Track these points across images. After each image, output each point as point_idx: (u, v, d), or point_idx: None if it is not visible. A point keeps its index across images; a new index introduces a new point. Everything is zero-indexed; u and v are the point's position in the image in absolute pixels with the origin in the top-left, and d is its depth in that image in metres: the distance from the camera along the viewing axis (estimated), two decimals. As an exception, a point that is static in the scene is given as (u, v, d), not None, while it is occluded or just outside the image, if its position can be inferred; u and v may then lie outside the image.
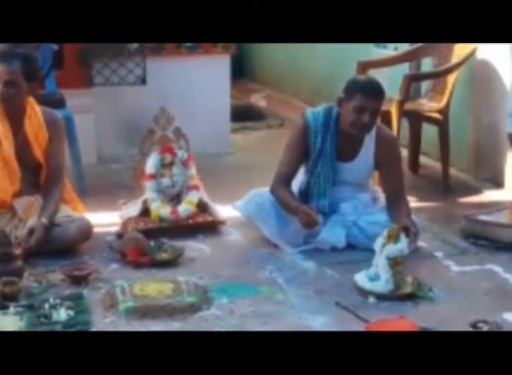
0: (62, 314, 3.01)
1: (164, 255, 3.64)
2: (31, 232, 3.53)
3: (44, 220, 3.57)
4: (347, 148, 3.79)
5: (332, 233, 3.75)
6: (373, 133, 3.77)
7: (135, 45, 5.19)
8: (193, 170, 4.17)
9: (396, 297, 3.24)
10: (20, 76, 3.58)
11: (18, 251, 3.35)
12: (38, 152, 3.73)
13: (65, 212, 3.73)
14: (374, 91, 3.65)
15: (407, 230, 3.46)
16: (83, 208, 3.93)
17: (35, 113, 3.72)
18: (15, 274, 3.22)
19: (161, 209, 3.97)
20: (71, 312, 3.03)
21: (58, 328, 2.92)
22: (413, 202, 4.10)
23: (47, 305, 3.06)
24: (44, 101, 3.89)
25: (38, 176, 3.77)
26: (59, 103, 4.46)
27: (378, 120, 3.88)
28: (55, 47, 4.58)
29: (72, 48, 5.02)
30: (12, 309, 3.04)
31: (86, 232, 3.70)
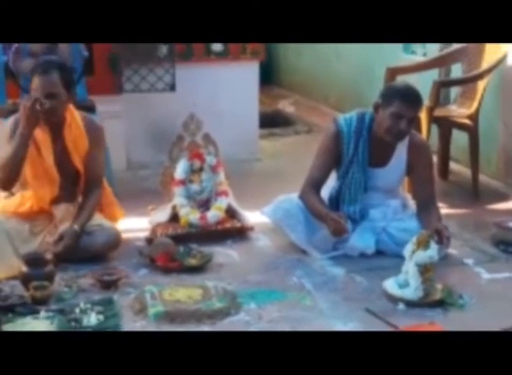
0: (93, 319, 3.03)
1: (193, 261, 3.65)
2: (61, 237, 3.56)
3: (76, 227, 3.59)
4: (380, 154, 3.78)
5: (361, 240, 3.74)
6: (406, 139, 3.75)
7: (164, 52, 5.23)
8: (221, 176, 4.18)
9: (426, 304, 3.22)
10: (60, 86, 3.58)
11: (49, 255, 3.38)
12: (77, 160, 3.72)
13: (96, 220, 3.74)
14: (413, 99, 3.62)
15: (439, 233, 3.44)
16: (121, 213, 3.94)
17: (75, 121, 3.71)
18: (46, 279, 3.25)
19: (190, 215, 3.99)
20: (101, 317, 3.06)
21: (89, 332, 2.95)
22: (443, 209, 4.07)
23: (77, 310, 3.10)
24: (74, 107, 3.92)
25: (77, 184, 3.77)
26: (90, 109, 4.48)
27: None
28: (85, 53, 4.61)
29: (102, 55, 5.06)
30: (43, 313, 3.07)
31: (114, 242, 3.71)
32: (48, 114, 3.59)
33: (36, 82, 3.56)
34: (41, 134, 3.64)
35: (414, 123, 3.73)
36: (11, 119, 3.69)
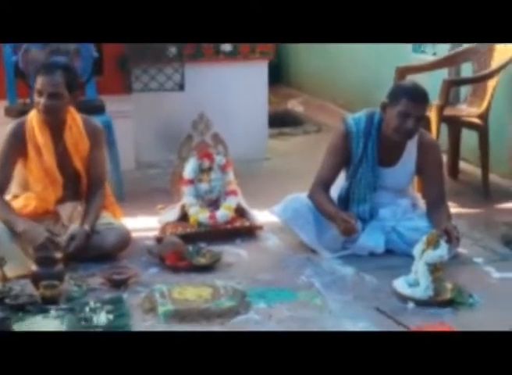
0: (102, 318, 3.03)
1: (202, 260, 3.65)
2: (72, 238, 3.56)
3: (87, 228, 3.60)
4: (389, 154, 3.77)
5: (370, 239, 3.74)
6: (415, 138, 3.74)
7: (173, 51, 5.23)
8: (230, 175, 4.18)
9: (436, 303, 3.21)
10: (63, 87, 3.58)
11: (59, 255, 3.38)
12: (78, 162, 3.73)
13: (105, 219, 3.75)
14: (419, 97, 3.62)
15: (448, 234, 3.44)
16: (121, 213, 3.95)
17: (75, 123, 3.72)
18: (56, 278, 3.25)
19: (199, 214, 3.99)
20: (111, 316, 3.05)
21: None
22: (453, 208, 4.05)
23: (87, 309, 3.10)
24: (84, 107, 3.93)
25: (79, 184, 3.78)
26: (99, 109, 4.51)
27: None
28: (95, 53, 4.63)
29: (111, 55, 5.07)
30: (53, 312, 3.08)
31: (124, 241, 3.72)
32: (49, 114, 3.60)
33: (39, 82, 3.58)
34: (42, 137, 3.65)
35: (422, 121, 3.72)
36: (12, 124, 3.70)
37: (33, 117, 3.68)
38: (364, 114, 3.80)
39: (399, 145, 3.76)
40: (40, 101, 3.58)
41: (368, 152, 3.74)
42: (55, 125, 3.67)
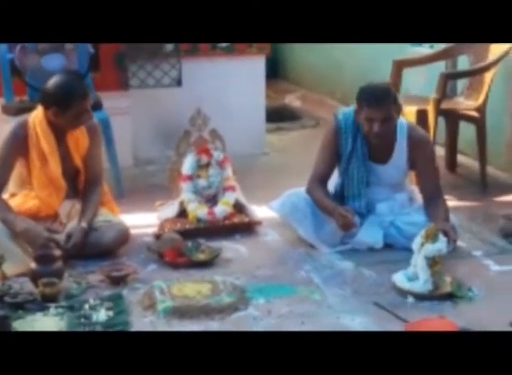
0: (102, 315, 3.04)
1: (201, 256, 3.65)
2: (70, 236, 3.56)
3: (84, 225, 3.59)
4: (380, 150, 3.76)
5: (369, 234, 3.74)
6: (405, 134, 3.74)
7: (170, 47, 5.22)
8: (229, 171, 4.18)
9: (435, 297, 3.22)
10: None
11: (58, 252, 3.38)
12: (78, 159, 3.74)
13: (103, 216, 3.75)
14: (377, 102, 3.58)
15: (446, 234, 3.41)
16: (117, 210, 3.95)
17: None
18: (55, 275, 3.25)
19: (198, 210, 3.99)
20: (110, 313, 3.06)
21: (98, 329, 2.95)
22: (451, 201, 4.06)
23: (87, 306, 3.11)
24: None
25: (77, 181, 3.79)
26: (96, 106, 4.48)
27: (414, 120, 3.85)
28: (91, 50, 4.61)
29: (108, 51, 5.06)
30: (52, 310, 3.09)
31: (123, 237, 3.72)
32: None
33: (81, 105, 3.58)
34: (48, 145, 3.63)
35: (390, 121, 3.63)
36: (13, 125, 3.68)
37: (35, 121, 3.64)
38: (354, 109, 3.79)
39: (388, 142, 3.75)
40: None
41: (357, 148, 3.74)
42: (60, 128, 3.66)
